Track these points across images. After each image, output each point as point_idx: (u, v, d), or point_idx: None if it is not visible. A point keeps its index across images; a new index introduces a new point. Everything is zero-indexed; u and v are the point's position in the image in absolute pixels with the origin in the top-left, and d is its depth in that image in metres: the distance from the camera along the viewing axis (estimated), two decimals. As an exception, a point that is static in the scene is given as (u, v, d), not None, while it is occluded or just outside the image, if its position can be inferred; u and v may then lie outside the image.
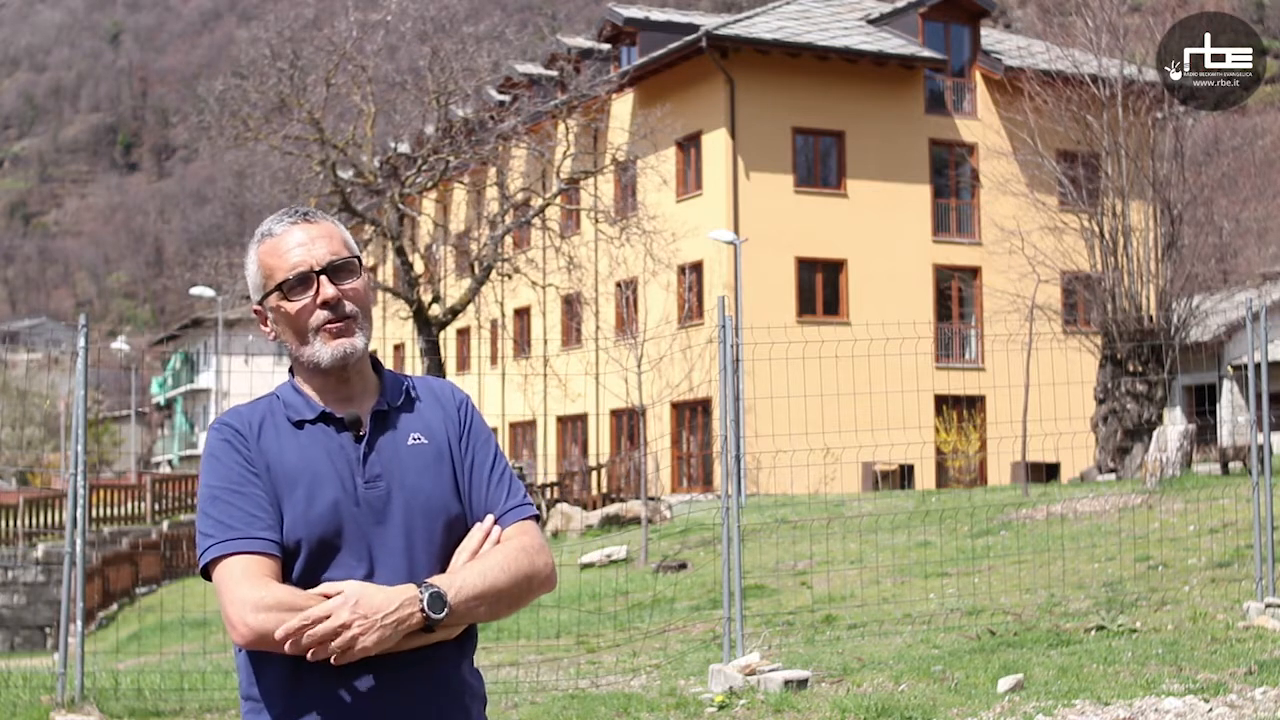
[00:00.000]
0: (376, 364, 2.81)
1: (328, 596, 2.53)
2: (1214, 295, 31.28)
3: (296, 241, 2.72)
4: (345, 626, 2.49)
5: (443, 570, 2.66)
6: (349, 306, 2.71)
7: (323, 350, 2.70)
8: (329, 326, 2.69)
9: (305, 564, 2.62)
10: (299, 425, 2.70)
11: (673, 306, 31.38)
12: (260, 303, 2.77)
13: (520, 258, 32.38)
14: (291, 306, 2.70)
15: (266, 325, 2.78)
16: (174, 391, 72.89)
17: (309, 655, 2.51)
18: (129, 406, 65.49)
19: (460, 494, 2.74)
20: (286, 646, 2.50)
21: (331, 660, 2.50)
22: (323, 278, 2.70)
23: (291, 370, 2.80)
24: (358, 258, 2.78)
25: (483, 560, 2.65)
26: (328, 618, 2.49)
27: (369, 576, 2.61)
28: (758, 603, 14.21)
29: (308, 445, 2.68)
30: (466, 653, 2.72)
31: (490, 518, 2.72)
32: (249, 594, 2.53)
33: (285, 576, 2.60)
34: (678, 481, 33.98)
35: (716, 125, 33.63)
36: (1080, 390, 22.13)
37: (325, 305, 2.69)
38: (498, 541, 2.70)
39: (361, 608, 2.51)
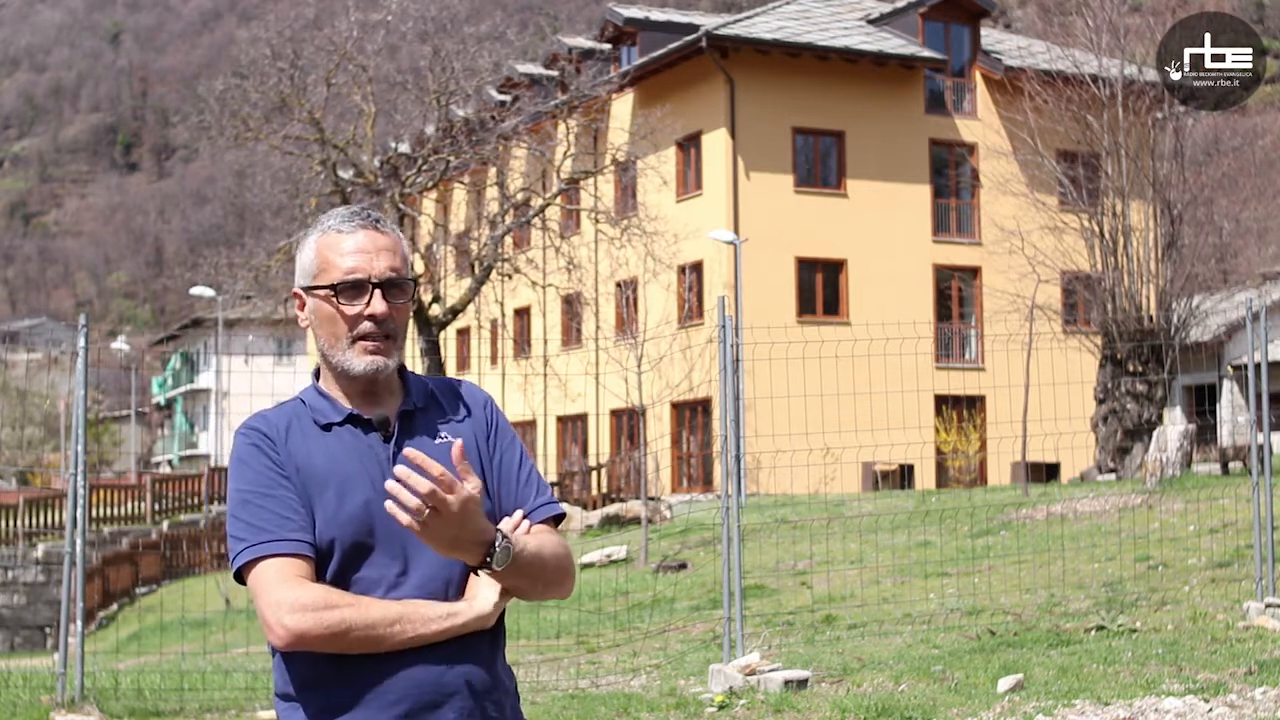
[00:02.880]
0: (400, 366, 2.80)
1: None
2: (1214, 295, 31.28)
3: (359, 246, 2.71)
4: (438, 498, 2.42)
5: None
6: (392, 325, 2.71)
7: (355, 361, 2.70)
8: (368, 341, 2.69)
9: (339, 564, 2.62)
10: (326, 428, 2.70)
11: (673, 306, 31.37)
12: (305, 290, 2.75)
13: (520, 258, 32.37)
14: (342, 310, 2.69)
15: (303, 311, 2.77)
16: (174, 391, 72.91)
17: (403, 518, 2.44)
18: (129, 406, 65.49)
19: (489, 492, 2.74)
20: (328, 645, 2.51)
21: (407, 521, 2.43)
22: (377, 291, 2.69)
23: (316, 373, 2.80)
24: (414, 280, 2.78)
25: (537, 536, 2.67)
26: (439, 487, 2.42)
27: (403, 574, 2.62)
28: (758, 603, 14.21)
29: (335, 447, 2.68)
30: (499, 648, 2.72)
31: (519, 513, 2.72)
32: (285, 595, 2.53)
33: (319, 577, 2.60)
34: (678, 481, 33.98)
35: (716, 125, 33.63)
36: (1080, 390, 22.12)
37: (372, 318, 2.69)
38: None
39: (466, 505, 2.45)
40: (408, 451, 2.44)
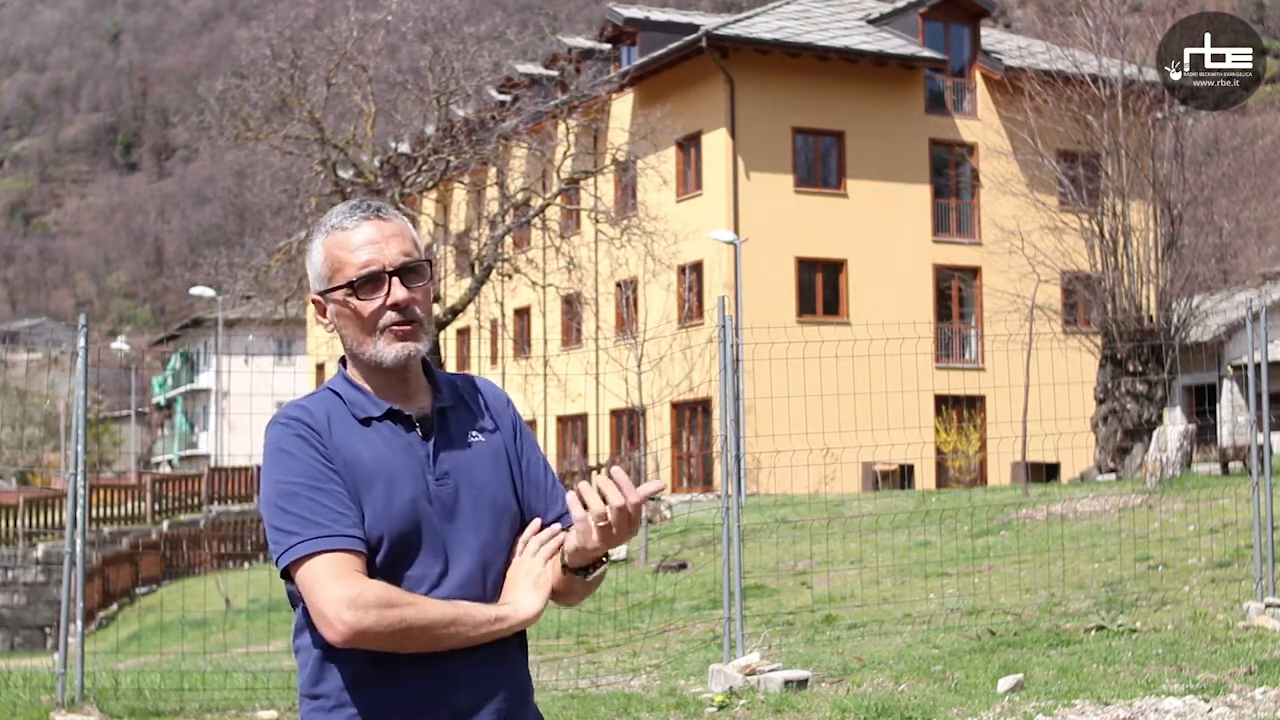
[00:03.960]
0: (423, 361, 2.79)
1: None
2: (1214, 295, 31.28)
3: (368, 238, 2.67)
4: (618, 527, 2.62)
5: (507, 566, 2.70)
6: (417, 310, 2.68)
7: (386, 351, 2.66)
8: (395, 329, 2.66)
9: (385, 561, 2.59)
10: (365, 422, 2.67)
11: (673, 306, 31.37)
12: (322, 294, 2.72)
13: (520, 258, 32.36)
14: (363, 306, 2.66)
15: (325, 316, 2.74)
16: (174, 391, 72.91)
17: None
18: (129, 406, 65.51)
19: (516, 491, 2.76)
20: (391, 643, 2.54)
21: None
22: (394, 279, 2.66)
23: (343, 362, 2.77)
24: (429, 261, 2.75)
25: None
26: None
27: (444, 574, 2.61)
28: (758, 603, 14.21)
29: (379, 442, 2.65)
30: (525, 651, 2.75)
31: (557, 525, 2.79)
32: (344, 591, 2.50)
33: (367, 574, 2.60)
34: (678, 481, 33.98)
35: (716, 125, 33.63)
36: (1080, 390, 22.12)
37: (395, 307, 2.66)
38: (562, 543, 2.73)
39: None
40: (615, 472, 2.59)
